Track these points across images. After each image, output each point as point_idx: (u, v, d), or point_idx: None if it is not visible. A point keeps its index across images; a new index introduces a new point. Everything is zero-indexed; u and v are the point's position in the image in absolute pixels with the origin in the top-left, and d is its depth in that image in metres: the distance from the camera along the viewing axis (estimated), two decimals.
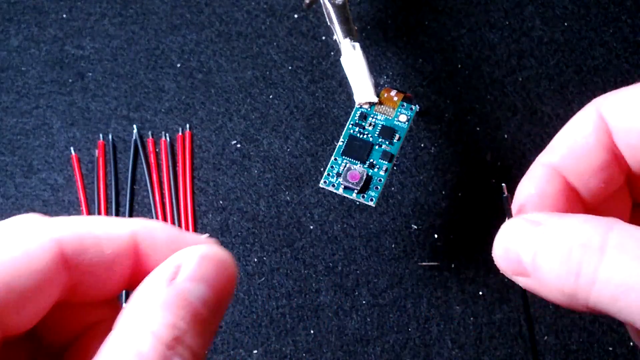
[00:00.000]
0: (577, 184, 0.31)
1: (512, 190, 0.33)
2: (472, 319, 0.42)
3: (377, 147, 0.38)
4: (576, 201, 0.32)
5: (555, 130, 0.32)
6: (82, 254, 0.26)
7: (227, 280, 0.28)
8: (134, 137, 0.47)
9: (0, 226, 0.25)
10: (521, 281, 0.30)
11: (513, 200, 0.33)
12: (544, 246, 0.28)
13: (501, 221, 0.40)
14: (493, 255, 0.31)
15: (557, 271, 0.27)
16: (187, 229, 0.45)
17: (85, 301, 0.27)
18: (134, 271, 0.27)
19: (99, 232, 0.26)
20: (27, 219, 0.25)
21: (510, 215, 0.32)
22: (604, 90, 0.32)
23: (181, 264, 0.26)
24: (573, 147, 0.31)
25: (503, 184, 0.32)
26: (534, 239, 0.28)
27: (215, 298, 0.27)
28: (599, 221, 0.27)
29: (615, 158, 0.31)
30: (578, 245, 0.26)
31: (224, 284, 0.28)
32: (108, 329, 0.26)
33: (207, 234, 0.28)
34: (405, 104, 0.39)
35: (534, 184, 0.31)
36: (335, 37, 0.41)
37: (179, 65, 0.49)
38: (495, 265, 0.43)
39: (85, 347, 0.27)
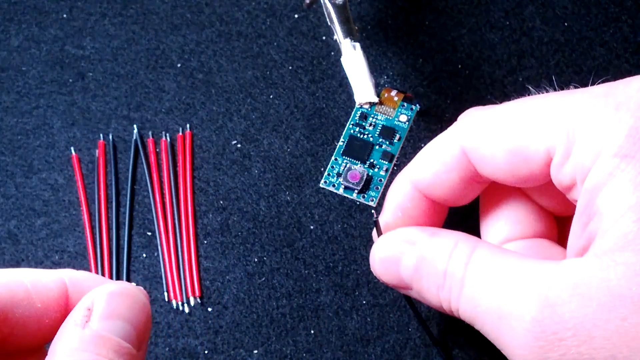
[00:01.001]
0: (442, 201, 0.35)
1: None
2: None
3: (377, 147, 0.38)
4: (437, 211, 0.36)
5: None
6: (14, 307, 0.26)
7: (141, 312, 0.28)
8: (134, 137, 0.47)
9: None
10: (403, 291, 0.35)
11: (382, 212, 0.36)
12: (422, 272, 0.33)
13: None
14: (372, 269, 0.36)
15: (434, 295, 0.32)
16: (187, 229, 0.45)
17: (13, 350, 0.27)
18: (62, 321, 0.27)
19: (30, 285, 0.26)
20: None
21: (380, 233, 0.35)
22: None
23: (91, 305, 0.26)
24: (438, 176, 0.35)
25: (373, 211, 0.36)
26: (411, 259, 0.33)
27: (132, 330, 0.27)
28: (464, 246, 0.31)
29: (475, 179, 0.34)
30: (449, 274, 0.31)
31: (138, 316, 0.28)
32: None
33: (134, 284, 0.29)
34: (405, 104, 0.39)
35: (400, 205, 0.35)
36: (335, 37, 0.41)
37: (179, 65, 0.49)
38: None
39: None
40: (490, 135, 0.33)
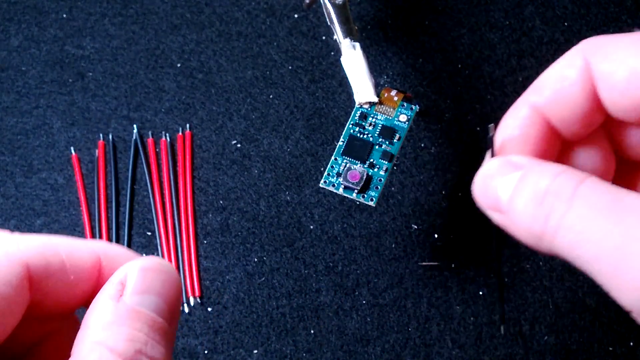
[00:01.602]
0: (559, 125, 0.33)
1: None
2: (472, 318, 0.42)
3: (377, 147, 0.38)
4: (556, 141, 0.33)
5: None
6: (47, 277, 0.26)
7: (172, 287, 0.29)
8: (134, 137, 0.47)
9: None
10: (495, 217, 0.32)
11: (495, 138, 0.34)
12: (522, 188, 0.30)
13: None
14: (472, 189, 0.33)
15: (529, 213, 0.29)
16: (187, 229, 0.45)
17: (44, 316, 0.27)
18: (94, 291, 0.27)
19: (64, 256, 0.27)
20: None
21: (493, 155, 0.33)
22: None
23: (125, 280, 0.27)
24: (559, 92, 0.32)
25: (491, 125, 0.33)
26: (513, 180, 0.30)
27: (165, 305, 0.28)
28: (573, 173, 0.29)
29: (598, 106, 0.32)
30: (551, 192, 0.28)
31: (170, 291, 0.28)
32: (64, 338, 0.27)
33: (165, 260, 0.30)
34: (405, 103, 0.39)
35: (518, 124, 0.33)
36: (335, 37, 0.41)
37: (179, 65, 0.49)
38: (495, 265, 0.44)
39: (40, 356, 0.27)
40: (616, 48, 0.30)
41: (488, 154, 0.34)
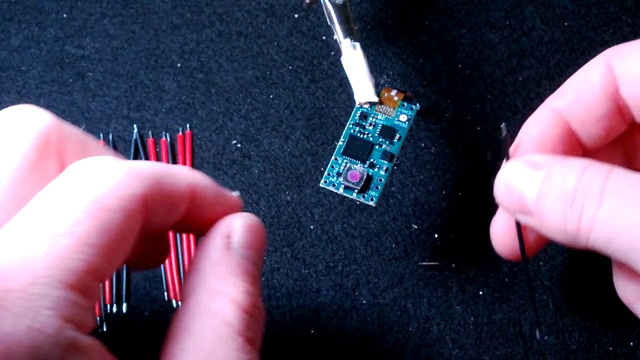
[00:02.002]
0: (579, 129, 0.33)
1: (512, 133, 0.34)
2: (472, 318, 0.42)
3: (377, 146, 0.38)
4: (575, 146, 0.33)
5: None
6: (157, 208, 0.29)
7: (265, 242, 0.33)
8: (134, 137, 0.47)
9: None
10: (523, 219, 0.32)
11: (516, 138, 0.34)
12: (548, 188, 0.30)
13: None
14: (495, 193, 0.33)
15: (560, 213, 0.29)
16: None
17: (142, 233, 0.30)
18: (185, 215, 0.31)
19: (170, 187, 0.30)
20: (110, 164, 0.28)
21: (507, 157, 0.33)
22: None
23: (230, 233, 0.31)
24: (580, 94, 0.32)
25: (503, 124, 0.33)
26: (538, 180, 0.30)
27: (260, 259, 0.32)
28: (599, 167, 0.29)
29: (619, 109, 0.32)
30: (581, 190, 0.28)
31: (264, 248, 0.33)
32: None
33: (237, 192, 0.34)
34: (405, 103, 0.39)
35: (537, 125, 0.33)
36: (335, 36, 0.41)
37: (179, 65, 0.49)
38: (495, 264, 0.43)
39: None
40: (638, 50, 0.31)
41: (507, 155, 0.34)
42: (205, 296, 0.29)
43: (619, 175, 0.28)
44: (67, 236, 0.26)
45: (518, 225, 0.34)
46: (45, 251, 0.26)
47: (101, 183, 0.27)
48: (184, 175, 0.31)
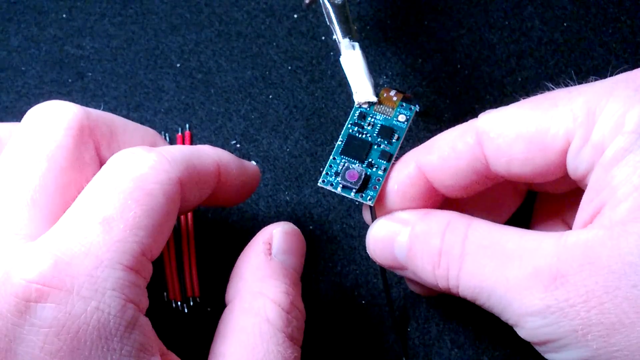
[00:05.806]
0: (441, 188, 0.35)
1: None
2: (471, 318, 0.42)
3: (376, 146, 0.38)
4: (437, 197, 0.36)
5: None
6: (189, 189, 0.32)
7: (304, 248, 0.35)
8: None
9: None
10: (399, 272, 0.36)
11: (380, 189, 0.36)
12: (416, 249, 0.33)
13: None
14: (368, 250, 0.36)
15: (430, 273, 0.32)
16: (185, 229, 0.45)
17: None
18: (212, 193, 0.34)
19: (200, 169, 0.33)
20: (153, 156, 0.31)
21: (374, 216, 0.36)
22: None
23: (270, 241, 0.34)
24: (446, 161, 0.34)
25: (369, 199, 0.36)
26: (404, 238, 0.34)
27: (300, 264, 0.35)
28: (459, 224, 0.32)
29: (485, 176, 0.34)
30: (444, 253, 0.31)
31: (303, 251, 0.35)
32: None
33: (254, 162, 0.36)
34: (404, 103, 0.39)
35: (398, 181, 0.36)
36: (334, 36, 0.41)
37: (178, 65, 0.49)
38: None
39: None
40: (509, 121, 0.33)
41: (368, 217, 0.37)
42: (248, 297, 0.32)
43: (476, 232, 0.31)
44: (121, 221, 0.28)
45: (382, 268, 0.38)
46: (104, 236, 0.28)
47: (142, 172, 0.30)
48: (210, 153, 0.34)
